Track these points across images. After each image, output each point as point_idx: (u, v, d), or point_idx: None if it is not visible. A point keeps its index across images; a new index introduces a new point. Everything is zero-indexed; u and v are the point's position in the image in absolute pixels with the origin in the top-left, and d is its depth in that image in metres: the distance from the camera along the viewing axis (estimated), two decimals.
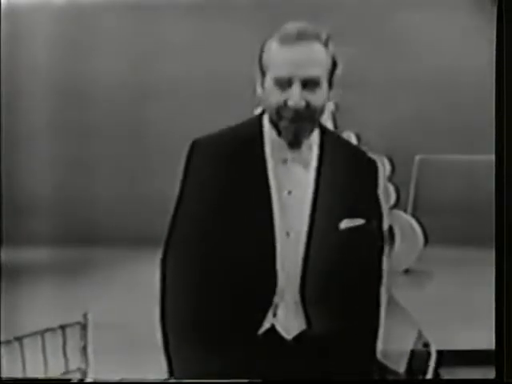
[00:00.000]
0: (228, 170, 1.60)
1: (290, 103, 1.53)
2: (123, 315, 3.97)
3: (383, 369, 2.91)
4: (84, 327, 2.81)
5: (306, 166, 1.59)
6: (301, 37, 1.54)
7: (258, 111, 1.69)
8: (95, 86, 6.92)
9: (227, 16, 6.61)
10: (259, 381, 1.65)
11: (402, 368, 2.91)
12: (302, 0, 6.42)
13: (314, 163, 1.59)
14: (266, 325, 1.61)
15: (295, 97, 1.52)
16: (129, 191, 6.30)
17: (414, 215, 5.50)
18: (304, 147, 1.59)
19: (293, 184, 1.59)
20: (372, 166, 1.67)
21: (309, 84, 1.53)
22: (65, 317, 2.81)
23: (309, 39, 1.55)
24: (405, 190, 5.99)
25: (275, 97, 1.55)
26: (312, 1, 6.39)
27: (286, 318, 1.60)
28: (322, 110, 1.58)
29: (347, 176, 1.62)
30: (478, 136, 5.16)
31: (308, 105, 1.54)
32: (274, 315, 1.61)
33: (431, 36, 6.31)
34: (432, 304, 4.17)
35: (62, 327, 2.79)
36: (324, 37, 1.58)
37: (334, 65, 1.59)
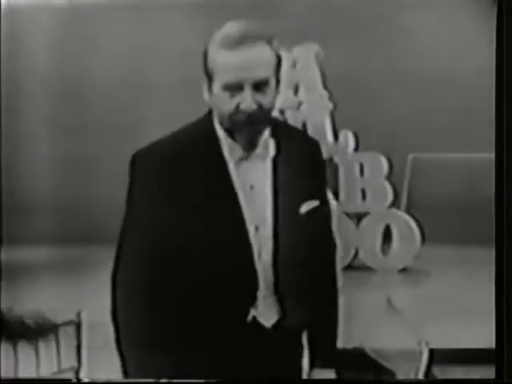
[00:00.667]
0: (185, 174, 1.58)
1: (243, 107, 1.52)
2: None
3: (379, 369, 2.90)
4: (78, 326, 2.79)
5: (264, 159, 1.61)
6: (243, 40, 1.52)
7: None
8: (95, 86, 6.92)
9: (227, 16, 6.59)
10: (254, 380, 1.68)
11: (398, 368, 2.89)
12: (302, 0, 6.40)
13: (270, 156, 1.61)
14: (249, 317, 1.65)
15: (247, 101, 1.51)
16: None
17: (408, 213, 5.47)
18: (259, 146, 1.60)
19: (253, 178, 1.60)
20: (317, 147, 1.71)
21: (259, 86, 1.52)
22: (62, 315, 2.79)
23: (252, 41, 1.52)
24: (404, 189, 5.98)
25: (226, 103, 1.54)
26: (312, 1, 6.37)
27: (265, 308, 1.64)
28: (272, 108, 1.58)
29: (300, 162, 1.65)
30: (477, 135, 5.14)
31: (260, 107, 1.53)
32: (255, 307, 1.64)
33: (431, 36, 6.29)
34: (429, 303, 4.16)
35: (55, 326, 2.77)
36: (266, 35, 1.56)
37: (279, 61, 1.58)
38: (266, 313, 1.65)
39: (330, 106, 5.43)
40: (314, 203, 1.65)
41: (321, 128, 5.41)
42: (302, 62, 5.36)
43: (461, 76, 6.19)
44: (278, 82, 1.59)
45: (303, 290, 1.67)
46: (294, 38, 5.16)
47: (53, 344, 2.75)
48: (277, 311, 1.66)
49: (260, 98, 1.53)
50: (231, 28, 1.56)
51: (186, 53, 6.97)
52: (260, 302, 1.64)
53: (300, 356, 1.74)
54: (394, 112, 6.31)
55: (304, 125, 5.41)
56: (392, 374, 2.83)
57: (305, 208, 1.63)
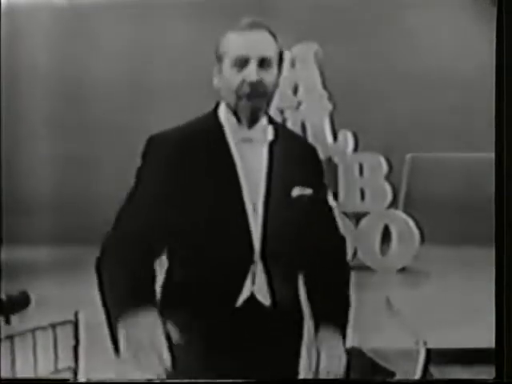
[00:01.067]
0: (192, 156, 1.75)
1: (247, 79, 1.73)
2: None
3: (378, 369, 2.90)
4: (76, 326, 2.79)
5: (261, 143, 1.78)
6: (254, 26, 1.78)
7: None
8: (95, 86, 6.92)
9: (227, 16, 6.59)
10: (256, 381, 1.73)
11: (396, 368, 2.89)
12: (302, 0, 6.40)
13: (267, 140, 1.79)
14: (246, 293, 1.73)
15: (252, 73, 1.73)
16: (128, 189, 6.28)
17: (406, 213, 5.47)
18: (259, 129, 1.78)
19: (252, 161, 1.77)
20: (315, 152, 1.89)
21: (263, 63, 1.74)
22: (60, 315, 2.79)
23: (260, 28, 1.78)
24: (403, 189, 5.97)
25: (234, 78, 1.75)
26: (312, 1, 6.37)
27: (263, 285, 1.73)
28: (272, 92, 1.78)
29: (297, 156, 1.82)
30: (477, 135, 5.14)
31: (262, 81, 1.74)
32: (253, 283, 1.73)
33: (431, 35, 6.29)
34: (428, 303, 4.16)
35: (53, 326, 2.77)
36: (272, 32, 1.80)
37: (281, 58, 1.81)
38: (264, 290, 1.73)
39: (330, 106, 5.43)
40: (307, 190, 1.79)
41: (320, 128, 5.40)
42: (302, 61, 5.36)
43: (460, 76, 6.19)
44: (279, 70, 1.79)
45: (292, 264, 1.79)
46: (293, 37, 5.16)
47: (50, 344, 2.74)
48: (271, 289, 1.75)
49: (263, 74, 1.74)
50: (244, 19, 1.80)
51: (186, 52, 6.99)
52: (259, 278, 1.73)
53: (300, 329, 1.82)
54: (394, 112, 6.31)
55: (303, 125, 5.40)
56: (391, 373, 2.83)
57: (296, 192, 1.78)
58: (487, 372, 2.30)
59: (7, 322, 2.66)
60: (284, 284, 1.76)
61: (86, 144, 6.90)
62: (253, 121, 1.77)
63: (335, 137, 5.44)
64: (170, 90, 6.75)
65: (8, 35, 6.08)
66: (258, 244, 1.73)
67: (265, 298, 1.74)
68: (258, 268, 1.73)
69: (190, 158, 1.75)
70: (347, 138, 5.43)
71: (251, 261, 1.72)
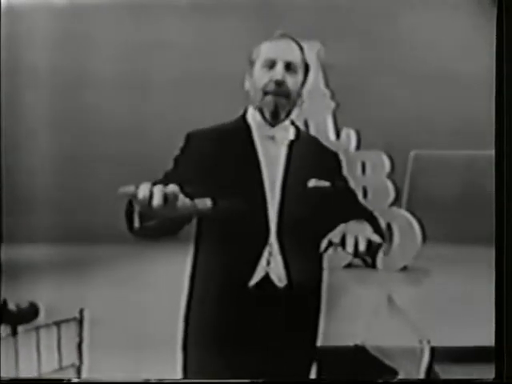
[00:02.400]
0: (222, 150, 1.95)
1: (274, 78, 1.95)
2: (120, 312, 3.95)
3: (381, 367, 2.90)
4: (80, 323, 2.80)
5: (283, 141, 1.98)
6: (283, 36, 2.05)
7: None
8: (95, 86, 6.91)
9: (227, 15, 6.60)
10: (261, 381, 1.72)
11: (399, 366, 2.90)
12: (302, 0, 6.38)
13: (288, 139, 2.00)
14: (261, 273, 1.85)
15: (278, 73, 1.96)
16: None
17: (409, 212, 5.47)
18: (281, 128, 1.98)
19: (274, 156, 1.96)
20: (336, 157, 2.13)
21: (289, 67, 1.99)
22: (63, 313, 2.80)
23: (289, 38, 2.06)
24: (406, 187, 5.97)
25: (262, 77, 1.98)
26: (312, 0, 6.36)
27: (278, 267, 1.85)
28: (295, 97, 2.04)
29: (316, 155, 2.04)
30: (478, 135, 5.14)
31: (285, 82, 1.97)
32: (268, 264, 1.86)
33: (432, 34, 6.29)
34: (430, 301, 4.16)
35: (57, 323, 2.78)
36: (300, 44, 2.10)
37: (307, 69, 2.10)
38: (279, 272, 1.85)
39: (332, 104, 5.43)
40: (323, 183, 1.99)
41: (323, 126, 5.41)
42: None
43: (461, 74, 6.18)
44: (304, 80, 2.06)
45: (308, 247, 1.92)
46: (295, 36, 5.15)
47: (54, 341, 2.75)
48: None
49: (288, 76, 1.98)
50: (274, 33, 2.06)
51: (187, 52, 6.99)
52: (274, 260, 1.85)
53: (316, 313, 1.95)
54: (396, 110, 6.30)
55: (306, 123, 5.40)
56: (394, 372, 2.83)
57: (312, 183, 1.96)
58: (488, 370, 2.31)
59: (14, 333, 2.67)
60: (301, 266, 1.89)
61: (86, 143, 6.91)
62: (275, 116, 1.98)
63: (338, 135, 5.45)
64: (170, 90, 6.75)
65: (8, 35, 6.08)
66: (274, 226, 1.87)
67: (279, 280, 1.84)
68: (274, 249, 1.85)
69: (221, 151, 1.95)
70: (350, 136, 5.43)
71: (267, 242, 1.85)
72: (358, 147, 5.60)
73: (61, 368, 2.70)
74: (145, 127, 6.75)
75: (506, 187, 1.99)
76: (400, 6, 6.39)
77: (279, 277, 1.84)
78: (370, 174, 5.59)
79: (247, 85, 2.06)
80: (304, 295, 1.86)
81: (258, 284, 1.82)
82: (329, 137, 5.63)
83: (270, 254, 1.85)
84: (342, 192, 2.11)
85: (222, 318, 1.79)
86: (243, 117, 2.05)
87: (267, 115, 1.98)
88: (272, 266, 1.85)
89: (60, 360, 2.72)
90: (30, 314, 2.79)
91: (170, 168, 2.02)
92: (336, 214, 1.96)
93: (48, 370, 2.69)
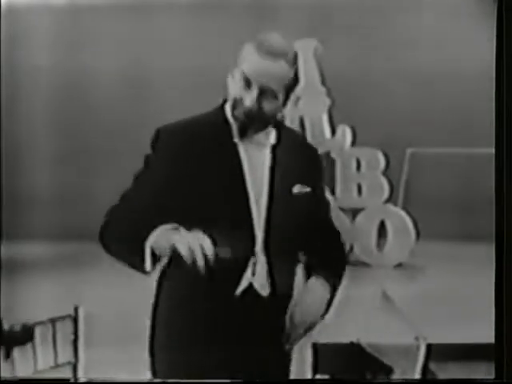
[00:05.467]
0: (198, 149, 1.80)
1: (246, 102, 1.75)
2: (116, 309, 3.95)
3: (376, 364, 2.91)
4: (75, 321, 2.79)
5: (265, 145, 1.83)
6: (271, 52, 1.76)
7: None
8: (95, 86, 6.93)
9: (225, 15, 6.61)
10: (258, 381, 1.77)
11: (395, 363, 2.90)
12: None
13: (270, 143, 1.84)
14: (244, 283, 1.78)
15: (250, 99, 1.74)
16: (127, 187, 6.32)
17: (405, 209, 5.48)
18: (262, 133, 1.82)
19: (256, 159, 1.82)
20: (316, 153, 1.96)
21: (266, 93, 1.75)
22: (60, 310, 2.79)
23: (277, 57, 1.76)
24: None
25: (238, 89, 1.77)
26: (313, 0, 6.37)
27: (262, 276, 1.79)
28: (274, 115, 1.80)
29: (299, 156, 1.88)
30: (477, 133, 5.16)
31: (260, 108, 1.75)
32: (253, 274, 1.79)
33: (431, 35, 6.30)
34: (425, 298, 4.18)
35: (52, 320, 2.77)
36: (291, 55, 1.79)
37: (296, 80, 1.82)
38: (262, 281, 1.79)
39: (328, 101, 5.43)
40: (306, 188, 1.85)
41: (318, 123, 5.41)
42: (301, 57, 5.35)
43: (460, 71, 6.20)
44: (287, 97, 1.80)
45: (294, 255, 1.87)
46: (292, 33, 5.15)
47: (50, 338, 2.74)
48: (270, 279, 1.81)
49: (263, 101, 1.75)
50: (268, 38, 1.79)
51: (186, 52, 7.00)
52: (259, 269, 1.79)
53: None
54: (393, 108, 6.32)
55: (301, 120, 5.41)
56: (389, 369, 2.84)
57: (296, 189, 1.84)
58: (485, 367, 2.32)
59: (7, 356, 2.62)
60: (284, 275, 1.81)
61: (86, 141, 6.92)
62: (242, 135, 1.79)
63: (334, 132, 5.45)
64: (170, 89, 6.76)
65: (8, 35, 6.08)
66: (261, 236, 1.78)
67: (263, 289, 1.78)
68: (260, 259, 1.78)
69: (197, 150, 1.79)
70: (345, 133, 5.44)
71: (252, 252, 1.77)
72: (354, 144, 5.62)
73: (57, 365, 2.69)
74: (145, 126, 6.74)
75: (505, 185, 2.00)
76: (400, 2, 6.40)
77: (263, 286, 1.79)
78: (364, 171, 5.61)
79: (229, 79, 1.83)
80: (287, 303, 1.84)
81: (242, 293, 1.79)
82: (324, 134, 5.64)
83: (255, 264, 1.77)
84: (319, 199, 1.93)
85: (208, 323, 1.77)
86: (222, 109, 1.84)
87: (234, 130, 1.80)
88: (257, 276, 1.78)
89: (56, 357, 2.71)
90: (23, 336, 2.75)
91: (142, 168, 1.83)
92: (311, 223, 1.88)
93: (44, 367, 2.68)
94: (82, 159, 6.89)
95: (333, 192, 5.31)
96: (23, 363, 2.64)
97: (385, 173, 5.40)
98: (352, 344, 2.94)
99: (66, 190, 6.68)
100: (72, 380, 2.69)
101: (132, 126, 6.64)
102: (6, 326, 2.70)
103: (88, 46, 6.91)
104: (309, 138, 5.41)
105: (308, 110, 5.39)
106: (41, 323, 2.75)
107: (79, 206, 6.64)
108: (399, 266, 5.32)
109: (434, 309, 3.87)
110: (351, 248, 5.24)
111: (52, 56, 6.69)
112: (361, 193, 5.39)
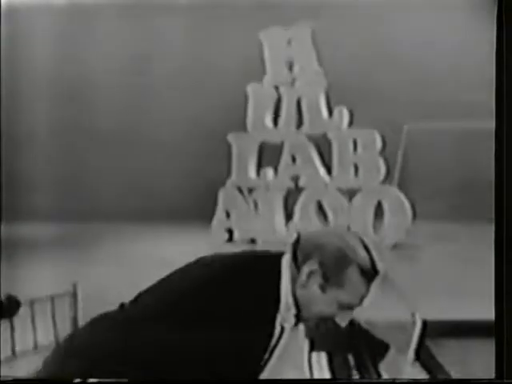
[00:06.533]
0: None
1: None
2: (115, 289, 3.97)
3: (373, 340, 2.92)
4: (74, 297, 2.81)
5: None
6: None
7: None
8: (95, 86, 6.92)
9: (225, 15, 6.58)
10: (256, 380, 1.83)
11: (393, 341, 2.92)
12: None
13: None
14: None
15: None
16: (128, 167, 6.37)
17: (401, 188, 5.50)
18: None
19: None
20: None
21: None
22: (58, 287, 2.80)
23: None
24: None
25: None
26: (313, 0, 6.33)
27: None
28: None
29: None
30: (477, 107, 5.16)
31: None
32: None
33: (431, 34, 6.29)
34: (422, 277, 4.21)
35: (52, 297, 2.78)
36: None
37: None
38: None
39: (325, 82, 5.43)
40: None
41: (315, 104, 5.41)
42: (298, 39, 5.34)
43: (460, 66, 6.19)
44: None
45: None
46: (290, 15, 5.15)
47: (49, 315, 2.76)
48: None
49: None
50: None
51: (187, 52, 6.99)
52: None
53: None
54: (390, 90, 6.31)
55: (298, 101, 5.41)
56: (386, 346, 2.85)
57: None
58: (482, 343, 2.34)
59: None
60: None
61: (86, 122, 6.93)
62: None
63: (331, 113, 5.45)
64: (171, 90, 6.76)
65: (8, 35, 6.06)
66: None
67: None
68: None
69: None
70: (342, 114, 5.44)
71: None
72: (351, 125, 5.62)
73: (56, 341, 2.70)
74: (145, 126, 6.78)
75: (505, 162, 2.00)
76: (400, 5, 6.38)
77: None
78: (361, 152, 5.61)
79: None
80: None
81: None
82: (321, 115, 5.64)
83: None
84: None
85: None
86: None
87: None
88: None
89: (55, 333, 2.73)
90: (9, 308, 2.75)
91: None
92: None
93: (44, 343, 2.70)
94: (82, 140, 6.92)
95: (330, 173, 5.33)
96: (23, 338, 2.66)
97: (382, 153, 5.41)
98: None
99: (66, 173, 6.71)
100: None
101: (133, 127, 6.67)
102: None
103: (88, 46, 6.91)
104: (306, 119, 5.44)
105: (305, 91, 5.39)
106: (40, 300, 2.77)
107: (78, 187, 6.68)
108: (396, 246, 5.34)
109: (431, 287, 3.90)
110: (348, 228, 5.26)
111: (52, 56, 6.68)
112: (357, 173, 5.40)
